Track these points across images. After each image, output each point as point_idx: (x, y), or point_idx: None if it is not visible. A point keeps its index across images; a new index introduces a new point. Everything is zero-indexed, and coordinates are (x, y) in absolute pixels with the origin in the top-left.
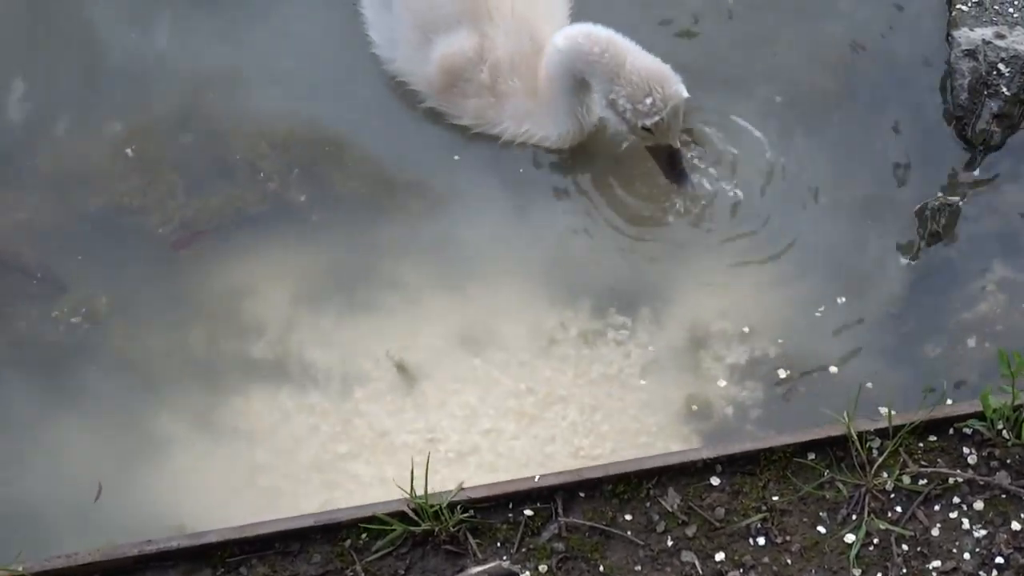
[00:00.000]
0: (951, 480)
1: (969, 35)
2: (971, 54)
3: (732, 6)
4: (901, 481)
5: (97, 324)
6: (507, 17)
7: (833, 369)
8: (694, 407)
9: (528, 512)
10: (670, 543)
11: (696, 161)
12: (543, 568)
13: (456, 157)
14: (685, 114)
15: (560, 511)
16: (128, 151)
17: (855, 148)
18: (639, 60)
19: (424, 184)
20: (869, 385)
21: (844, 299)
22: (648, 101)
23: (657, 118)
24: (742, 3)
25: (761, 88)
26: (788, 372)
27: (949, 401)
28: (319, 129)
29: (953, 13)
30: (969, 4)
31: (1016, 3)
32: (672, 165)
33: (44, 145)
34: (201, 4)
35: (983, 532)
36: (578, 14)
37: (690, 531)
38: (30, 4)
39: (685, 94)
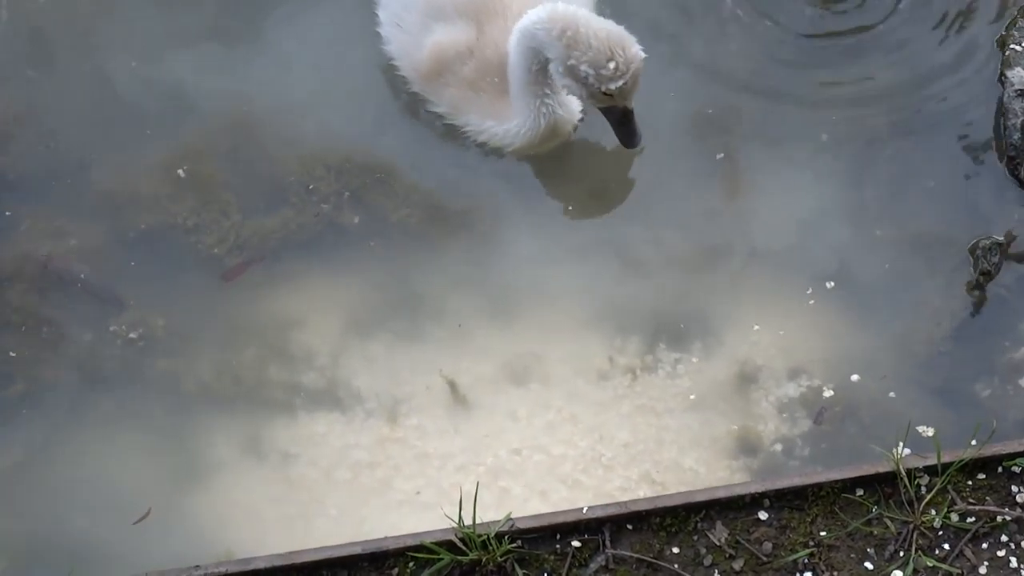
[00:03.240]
0: (999, 518)
1: (1022, 75)
2: None
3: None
4: (949, 518)
5: (151, 345)
6: (514, 19)
7: (882, 406)
8: (741, 441)
9: (576, 543)
10: None
11: None
12: None
13: (507, 188)
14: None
15: (608, 543)
16: (180, 172)
17: (908, 187)
18: (596, 24)
19: (475, 214)
20: (918, 422)
21: (894, 336)
22: (611, 66)
23: (621, 82)
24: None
25: (811, 126)
26: (837, 407)
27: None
28: (371, 156)
29: (1007, 53)
30: (1023, 44)
31: None
32: (625, 124)
33: (98, 167)
34: (218, 38)
35: None
36: None
37: (737, 565)
38: (69, 39)
39: (643, 55)
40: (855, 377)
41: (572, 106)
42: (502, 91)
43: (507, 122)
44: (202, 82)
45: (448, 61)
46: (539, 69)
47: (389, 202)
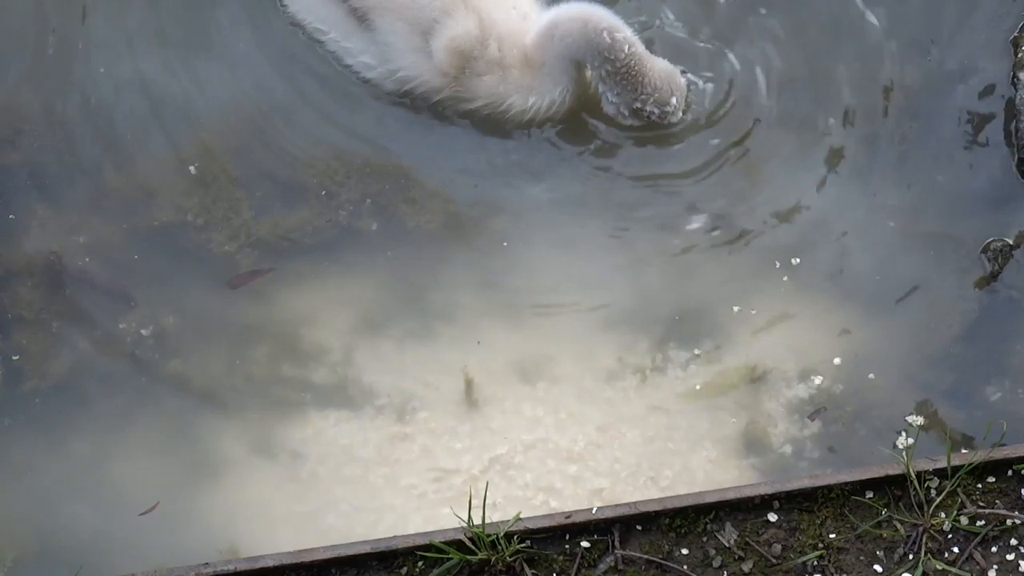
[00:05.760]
0: (1009, 522)
1: None
2: None
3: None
4: (959, 521)
5: (161, 342)
6: None
7: (893, 408)
8: (751, 441)
9: (585, 544)
10: None
11: None
12: None
13: (520, 191)
14: None
15: (617, 543)
16: (191, 168)
17: (919, 189)
18: (657, 65)
19: (488, 216)
20: (928, 424)
21: (905, 338)
22: (674, 101)
23: (682, 113)
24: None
25: (827, 124)
26: (847, 409)
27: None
28: (389, 159)
29: (1019, 55)
30: None
31: None
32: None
33: (109, 164)
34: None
35: None
36: None
37: (746, 567)
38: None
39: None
40: (867, 378)
41: None
42: (524, 63)
43: (548, 92)
44: (213, 83)
45: (468, 50)
46: (576, 61)
47: (406, 207)
